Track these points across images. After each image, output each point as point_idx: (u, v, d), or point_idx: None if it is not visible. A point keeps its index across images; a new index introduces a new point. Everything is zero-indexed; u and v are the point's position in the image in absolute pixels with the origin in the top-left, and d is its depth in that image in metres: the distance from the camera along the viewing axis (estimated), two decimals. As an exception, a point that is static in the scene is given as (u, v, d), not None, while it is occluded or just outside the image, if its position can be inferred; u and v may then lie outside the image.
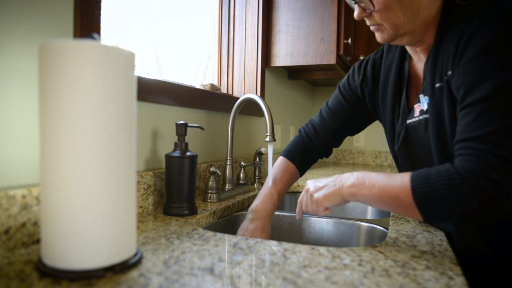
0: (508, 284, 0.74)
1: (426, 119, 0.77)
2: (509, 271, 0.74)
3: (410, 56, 0.87)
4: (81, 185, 0.51)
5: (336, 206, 0.79)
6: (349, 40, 1.75)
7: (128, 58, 0.55)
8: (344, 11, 1.69)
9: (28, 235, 0.64)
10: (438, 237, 0.78)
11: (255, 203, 1.00)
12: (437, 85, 0.72)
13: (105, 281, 0.51)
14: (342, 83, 1.05)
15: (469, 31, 0.66)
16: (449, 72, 0.69)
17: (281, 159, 1.09)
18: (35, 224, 0.65)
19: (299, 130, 1.13)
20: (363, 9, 0.76)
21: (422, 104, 0.78)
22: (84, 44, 0.50)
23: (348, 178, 0.75)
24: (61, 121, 0.50)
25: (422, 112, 0.78)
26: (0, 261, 0.57)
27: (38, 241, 0.66)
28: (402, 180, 0.66)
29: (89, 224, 0.51)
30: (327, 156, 1.13)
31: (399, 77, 0.88)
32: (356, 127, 1.08)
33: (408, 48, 0.84)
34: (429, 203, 0.63)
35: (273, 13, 1.74)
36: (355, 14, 0.78)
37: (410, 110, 0.83)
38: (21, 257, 0.59)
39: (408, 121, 0.82)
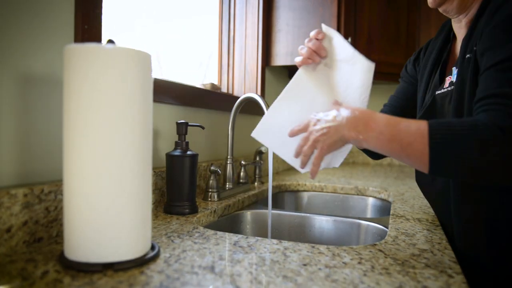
0: (507, 283, 0.74)
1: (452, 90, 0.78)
2: (508, 270, 0.74)
3: (453, 39, 0.89)
4: (106, 183, 0.54)
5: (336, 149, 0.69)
6: (349, 40, 1.75)
7: (146, 60, 0.57)
8: (344, 10, 1.69)
9: (29, 234, 0.64)
10: (438, 236, 0.78)
11: None
12: (467, 56, 0.74)
13: (106, 279, 0.51)
14: (402, 71, 1.09)
15: (498, 2, 0.68)
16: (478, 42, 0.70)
17: None
18: (37, 222, 0.65)
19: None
20: None
21: (453, 76, 0.79)
22: (108, 48, 0.53)
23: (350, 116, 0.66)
24: (87, 122, 0.53)
25: (451, 83, 0.79)
26: (2, 260, 0.57)
27: (39, 240, 0.66)
28: (419, 127, 0.61)
29: (113, 220, 0.55)
30: None
31: (440, 54, 0.90)
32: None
33: (454, 25, 0.86)
34: (444, 148, 0.58)
35: (274, 13, 1.74)
36: None
37: (441, 82, 0.85)
38: (23, 255, 0.59)
39: (437, 92, 0.84)
